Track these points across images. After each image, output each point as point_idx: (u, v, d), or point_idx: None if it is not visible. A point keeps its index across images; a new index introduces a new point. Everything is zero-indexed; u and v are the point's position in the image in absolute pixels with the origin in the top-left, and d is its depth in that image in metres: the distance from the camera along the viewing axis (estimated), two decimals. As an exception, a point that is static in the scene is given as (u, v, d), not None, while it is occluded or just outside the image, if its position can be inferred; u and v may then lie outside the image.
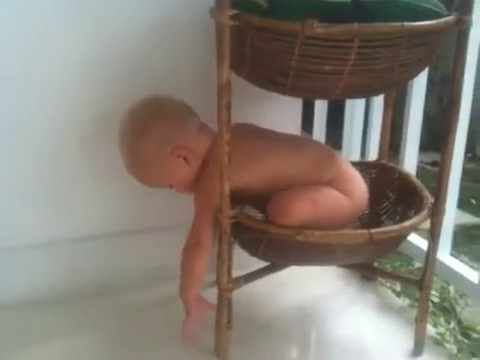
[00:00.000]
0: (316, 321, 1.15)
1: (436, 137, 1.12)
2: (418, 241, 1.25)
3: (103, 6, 1.07)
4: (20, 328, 1.11)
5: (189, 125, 1.01)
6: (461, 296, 1.29)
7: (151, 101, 1.02)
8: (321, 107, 1.45)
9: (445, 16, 0.87)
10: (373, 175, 1.21)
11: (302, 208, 0.91)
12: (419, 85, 1.21)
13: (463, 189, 1.19)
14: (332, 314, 1.18)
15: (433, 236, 0.98)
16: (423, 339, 1.06)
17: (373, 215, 1.16)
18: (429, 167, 2.20)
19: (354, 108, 1.39)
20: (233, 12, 0.80)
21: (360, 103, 1.38)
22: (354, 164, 1.17)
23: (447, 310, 1.25)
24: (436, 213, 0.96)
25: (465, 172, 1.19)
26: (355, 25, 0.78)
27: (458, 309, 1.25)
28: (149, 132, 0.98)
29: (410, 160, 1.25)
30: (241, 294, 1.01)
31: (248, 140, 1.00)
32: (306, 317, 1.16)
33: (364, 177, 1.17)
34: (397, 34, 0.80)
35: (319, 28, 0.77)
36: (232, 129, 0.87)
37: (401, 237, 0.98)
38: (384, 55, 0.83)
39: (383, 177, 1.19)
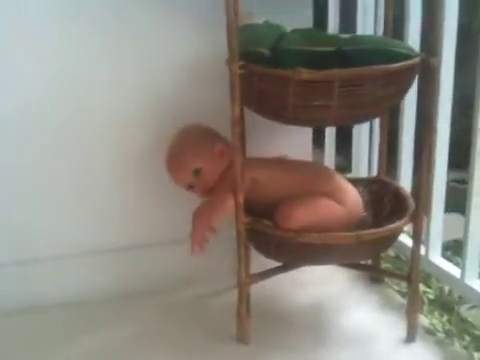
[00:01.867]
0: (326, 314, 1.35)
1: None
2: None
3: (140, 56, 1.34)
4: (68, 324, 1.33)
5: (223, 139, 1.27)
6: (461, 297, 1.46)
7: (195, 124, 1.29)
8: (330, 133, 1.66)
9: (414, 57, 1.08)
10: (374, 188, 1.41)
11: (303, 214, 1.13)
12: (409, 115, 1.40)
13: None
14: (340, 310, 1.37)
15: (415, 236, 1.18)
16: (414, 328, 1.24)
17: (375, 222, 1.35)
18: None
19: (360, 133, 1.59)
20: (241, 63, 1.04)
21: (365, 129, 1.59)
22: (358, 180, 1.39)
23: (443, 305, 1.42)
24: (416, 217, 1.16)
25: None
26: (335, 71, 1.00)
27: (455, 306, 1.42)
28: (198, 131, 1.28)
29: (405, 175, 1.44)
30: (261, 292, 1.24)
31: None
32: (317, 311, 1.36)
33: (367, 191, 1.38)
34: (370, 76, 1.02)
35: (305, 74, 0.99)
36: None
37: (388, 238, 1.18)
38: (363, 92, 1.05)
39: (381, 190, 1.38)
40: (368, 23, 1.49)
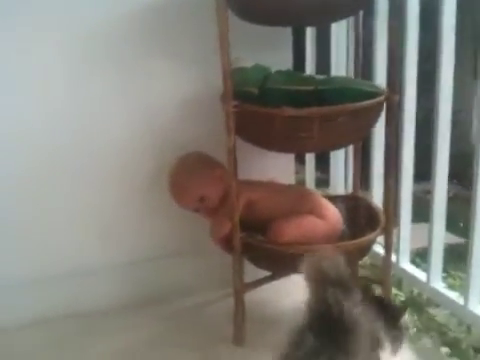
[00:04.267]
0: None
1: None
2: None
3: (143, 94, 1.51)
4: (79, 334, 1.48)
5: (218, 162, 1.44)
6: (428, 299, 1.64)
7: (192, 152, 1.45)
8: (310, 157, 1.86)
9: (380, 94, 1.27)
10: (350, 204, 1.59)
11: (293, 230, 1.32)
12: (378, 140, 1.60)
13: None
14: None
15: (386, 245, 1.37)
16: (388, 326, 1.43)
17: (352, 234, 1.51)
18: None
19: (336, 156, 1.79)
20: (235, 103, 1.22)
21: (341, 152, 1.78)
22: (336, 197, 1.58)
23: (413, 306, 1.61)
24: (386, 229, 1.35)
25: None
26: (314, 108, 1.19)
27: (424, 307, 1.61)
28: (197, 159, 1.43)
29: (377, 191, 1.63)
30: (251, 300, 1.39)
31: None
32: (301, 315, 1.53)
33: (344, 206, 1.57)
34: (343, 112, 1.21)
35: (290, 111, 1.18)
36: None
37: (363, 248, 1.37)
38: (338, 125, 1.23)
39: (356, 206, 1.57)
40: (341, 64, 1.69)
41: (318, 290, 0.89)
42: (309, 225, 1.35)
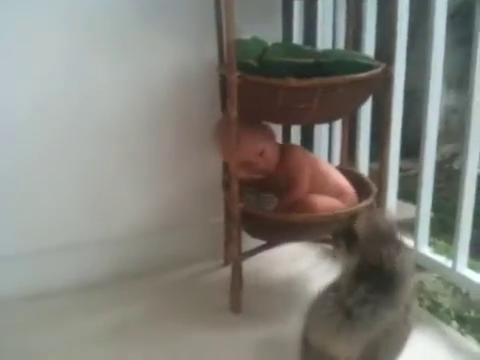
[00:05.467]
0: (299, 285, 1.57)
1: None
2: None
3: (142, 65, 1.51)
4: (75, 307, 1.48)
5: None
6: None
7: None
8: (295, 128, 1.89)
9: (376, 67, 1.32)
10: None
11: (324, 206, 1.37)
12: (365, 115, 1.65)
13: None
14: (311, 280, 1.58)
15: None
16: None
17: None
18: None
19: (321, 130, 1.83)
20: (238, 74, 1.23)
21: (325, 126, 1.82)
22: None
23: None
24: (380, 198, 1.41)
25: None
26: (317, 79, 1.22)
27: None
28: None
29: (363, 163, 1.69)
30: (247, 269, 1.43)
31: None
32: (292, 282, 1.58)
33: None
34: (344, 83, 1.24)
35: (293, 82, 1.20)
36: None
37: (357, 215, 1.41)
38: (337, 96, 1.27)
39: (345, 177, 1.60)
40: (327, 36, 1.72)
41: (372, 245, 0.94)
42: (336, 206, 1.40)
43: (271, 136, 1.46)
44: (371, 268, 0.93)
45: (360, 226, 1.00)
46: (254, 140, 1.40)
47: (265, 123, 1.46)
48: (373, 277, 0.92)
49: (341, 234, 1.10)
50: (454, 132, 2.66)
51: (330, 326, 0.93)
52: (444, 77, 1.41)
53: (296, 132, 1.90)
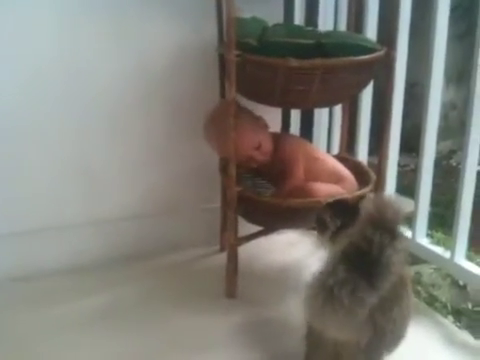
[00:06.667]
0: (294, 271, 1.54)
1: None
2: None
3: (137, 40, 1.47)
4: (66, 288, 1.46)
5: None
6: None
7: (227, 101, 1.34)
8: (295, 115, 1.86)
9: (378, 50, 1.29)
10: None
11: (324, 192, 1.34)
12: (366, 102, 1.62)
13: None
14: (306, 267, 1.53)
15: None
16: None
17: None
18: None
19: (320, 118, 1.80)
20: (237, 52, 1.21)
21: (325, 114, 1.79)
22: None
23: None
24: (378, 186, 1.38)
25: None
26: (318, 60, 1.19)
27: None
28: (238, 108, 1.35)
29: (362, 153, 1.66)
30: (242, 255, 1.40)
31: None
32: (287, 269, 1.56)
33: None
34: (346, 65, 1.22)
35: (294, 62, 1.18)
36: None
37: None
38: (339, 78, 1.24)
39: (345, 165, 1.57)
40: (329, 17, 1.69)
41: (367, 229, 0.92)
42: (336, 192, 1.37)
43: (265, 126, 1.44)
44: (358, 250, 0.91)
45: (365, 206, 0.97)
46: (250, 134, 1.39)
47: (258, 115, 1.43)
48: (358, 260, 0.91)
49: (332, 205, 1.11)
50: (452, 128, 2.65)
51: (316, 305, 0.92)
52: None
53: (295, 121, 1.87)
